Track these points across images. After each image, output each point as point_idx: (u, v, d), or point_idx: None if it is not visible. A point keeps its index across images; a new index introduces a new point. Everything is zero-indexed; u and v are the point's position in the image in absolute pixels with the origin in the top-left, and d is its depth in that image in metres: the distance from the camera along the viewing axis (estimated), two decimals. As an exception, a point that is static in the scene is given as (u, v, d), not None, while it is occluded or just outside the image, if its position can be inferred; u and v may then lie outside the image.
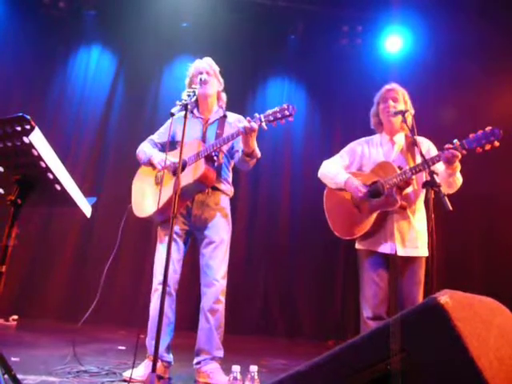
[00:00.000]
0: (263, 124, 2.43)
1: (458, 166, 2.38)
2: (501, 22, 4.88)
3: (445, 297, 0.92)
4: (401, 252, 2.50)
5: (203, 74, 2.75)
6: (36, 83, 5.21)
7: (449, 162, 2.33)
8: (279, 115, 2.41)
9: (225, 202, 2.76)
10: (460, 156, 2.30)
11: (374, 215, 2.52)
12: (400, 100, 2.67)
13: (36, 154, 1.42)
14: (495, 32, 4.91)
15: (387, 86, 2.74)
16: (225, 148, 2.73)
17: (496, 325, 1.02)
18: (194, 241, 2.82)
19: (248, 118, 2.51)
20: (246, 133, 2.44)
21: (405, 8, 5.13)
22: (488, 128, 2.23)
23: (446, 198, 2.09)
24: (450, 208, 2.07)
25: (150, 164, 2.76)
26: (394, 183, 2.47)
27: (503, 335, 1.00)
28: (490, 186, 4.98)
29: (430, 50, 5.20)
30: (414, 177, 2.49)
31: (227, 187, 2.78)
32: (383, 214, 2.54)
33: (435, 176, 2.17)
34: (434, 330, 0.91)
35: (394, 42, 5.47)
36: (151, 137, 2.93)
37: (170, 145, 2.74)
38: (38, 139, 1.39)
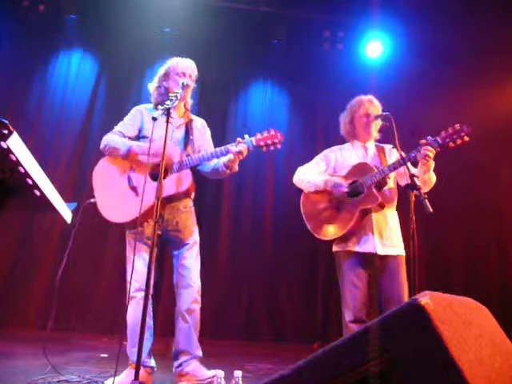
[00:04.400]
0: (251, 147, 2.57)
1: (432, 163, 2.48)
2: (479, 26, 5.00)
3: (425, 298, 0.93)
4: (380, 251, 2.55)
5: (187, 78, 2.73)
6: (16, 87, 5.13)
7: (424, 159, 2.42)
8: (269, 142, 2.56)
9: (191, 204, 2.78)
10: (434, 152, 2.41)
11: (356, 213, 2.56)
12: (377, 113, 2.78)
13: (14, 159, 1.38)
14: (474, 36, 5.03)
15: (366, 99, 2.80)
16: (190, 150, 2.72)
17: (476, 325, 1.04)
18: (163, 245, 2.79)
19: (239, 139, 2.56)
20: (239, 155, 2.53)
21: (384, 14, 5.22)
22: (457, 125, 2.40)
23: (427, 201, 2.14)
24: (431, 210, 2.12)
25: (129, 155, 2.62)
26: (373, 181, 2.55)
27: (483, 335, 1.02)
28: (470, 189, 5.08)
29: (409, 55, 5.30)
30: (390, 175, 2.59)
31: (193, 192, 2.78)
32: (362, 213, 2.58)
33: (416, 179, 2.23)
34: (415, 332, 0.93)
35: (375, 47, 5.55)
36: (118, 129, 2.76)
37: (138, 139, 2.72)
38: (16, 144, 1.36)
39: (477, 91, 5.05)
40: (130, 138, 2.73)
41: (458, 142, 2.38)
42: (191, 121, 2.83)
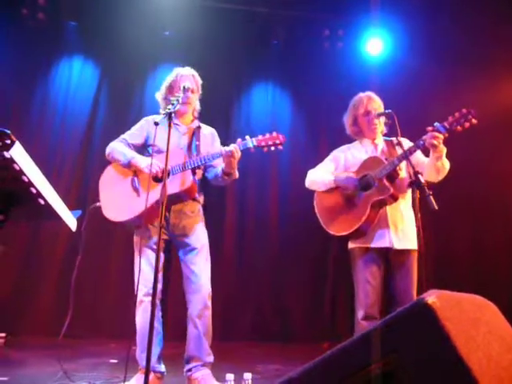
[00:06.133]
0: (252, 148, 2.56)
1: (443, 148, 2.43)
2: (479, 20, 4.98)
3: (432, 297, 0.92)
4: (397, 245, 2.53)
5: (187, 82, 2.75)
6: (17, 96, 5.14)
7: (433, 146, 2.38)
8: (270, 142, 2.57)
9: (199, 209, 2.79)
10: (442, 138, 2.37)
11: (369, 206, 2.52)
12: (379, 109, 2.76)
13: (17, 168, 1.39)
14: (474, 31, 5.01)
15: (365, 96, 2.79)
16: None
17: (484, 322, 1.03)
18: (172, 249, 2.80)
19: (239, 139, 2.58)
20: (230, 157, 2.53)
21: (384, 11, 5.21)
22: (464, 109, 2.35)
23: (432, 198, 2.12)
24: (436, 207, 2.09)
25: (130, 166, 2.69)
26: (383, 173, 2.52)
27: (491, 332, 1.01)
28: (475, 181, 5.06)
29: (409, 50, 5.29)
30: (401, 166, 2.55)
31: (201, 197, 2.82)
32: (376, 207, 2.55)
33: (420, 176, 2.21)
34: (423, 331, 0.92)
35: (375, 44, 5.53)
36: (123, 136, 2.85)
37: (145, 148, 2.79)
38: (18, 154, 1.37)
39: (478, 85, 5.02)
40: (135, 146, 2.80)
41: (466, 125, 2.33)
42: (199, 128, 2.87)
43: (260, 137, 2.59)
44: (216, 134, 2.95)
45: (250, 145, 2.57)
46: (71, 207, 1.70)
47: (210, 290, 2.65)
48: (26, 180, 1.44)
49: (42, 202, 1.51)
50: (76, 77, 5.43)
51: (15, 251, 4.74)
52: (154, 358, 2.53)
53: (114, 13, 5.22)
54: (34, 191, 1.47)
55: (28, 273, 4.75)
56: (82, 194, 5.04)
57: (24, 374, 2.82)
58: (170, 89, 2.83)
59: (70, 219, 1.63)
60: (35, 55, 5.28)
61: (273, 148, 2.59)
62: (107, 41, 5.31)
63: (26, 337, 4.32)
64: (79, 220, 1.78)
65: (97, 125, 5.31)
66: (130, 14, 5.21)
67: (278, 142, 2.58)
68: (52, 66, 5.42)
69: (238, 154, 2.55)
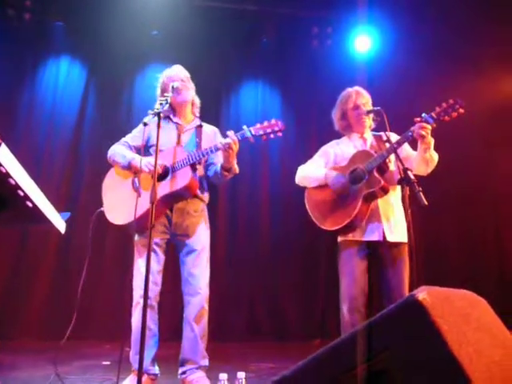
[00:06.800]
0: (251, 138, 2.50)
1: (431, 139, 2.44)
2: (467, 18, 5.01)
3: (422, 294, 0.93)
4: (390, 237, 2.52)
5: (176, 81, 2.73)
6: (3, 97, 5.07)
7: (421, 136, 2.39)
8: (269, 130, 2.50)
9: (203, 208, 2.76)
10: (430, 128, 2.39)
11: (360, 199, 2.51)
12: (368, 103, 2.77)
13: (3, 171, 1.37)
14: (462, 28, 5.04)
15: (353, 90, 2.79)
16: (203, 159, 2.74)
17: (475, 318, 1.04)
18: (172, 249, 2.78)
19: (231, 131, 2.52)
20: (228, 149, 2.47)
21: (372, 8, 5.22)
22: (451, 100, 2.38)
23: (421, 193, 2.13)
24: (426, 203, 2.10)
25: (130, 168, 2.68)
26: (373, 166, 2.51)
27: (481, 327, 1.02)
28: (465, 179, 5.10)
29: (397, 48, 5.31)
30: (390, 159, 2.56)
31: (205, 195, 2.78)
32: (368, 201, 2.54)
33: (409, 172, 2.21)
34: (414, 328, 0.92)
35: (363, 41, 5.55)
36: (124, 139, 2.85)
37: (145, 149, 2.74)
38: (5, 156, 1.35)
39: (466, 81, 5.05)
40: (136, 148, 2.79)
41: (454, 115, 2.35)
42: (200, 126, 2.85)
43: (258, 125, 2.52)
44: (218, 131, 2.90)
45: (248, 134, 2.50)
46: (60, 209, 1.68)
47: (208, 292, 2.63)
48: (13, 183, 1.41)
49: (30, 204, 1.49)
50: (63, 77, 5.36)
51: (5, 253, 4.69)
52: (148, 360, 2.52)
53: (101, 12, 5.16)
54: (21, 194, 1.45)
55: (19, 275, 4.70)
56: (71, 196, 5.00)
57: (16, 377, 2.79)
58: (162, 92, 2.79)
59: (59, 222, 1.61)
60: (22, 56, 5.22)
61: (272, 136, 2.51)
62: (95, 40, 5.26)
63: (18, 341, 4.27)
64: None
65: (85, 125, 5.25)
66: (118, 14, 5.15)
67: (277, 129, 2.50)
68: (39, 66, 5.36)
69: (236, 146, 2.48)
